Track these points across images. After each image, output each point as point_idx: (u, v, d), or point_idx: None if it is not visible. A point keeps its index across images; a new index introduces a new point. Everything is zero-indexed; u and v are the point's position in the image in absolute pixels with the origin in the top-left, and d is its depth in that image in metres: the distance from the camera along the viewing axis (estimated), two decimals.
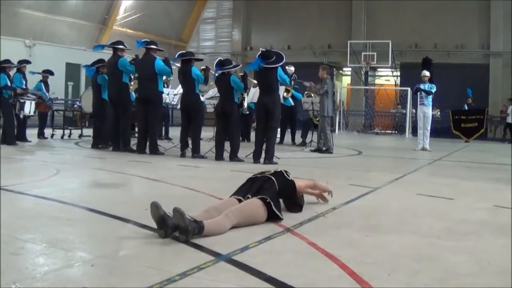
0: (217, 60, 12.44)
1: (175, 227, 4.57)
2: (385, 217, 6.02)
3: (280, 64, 11.70)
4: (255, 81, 12.98)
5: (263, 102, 11.73)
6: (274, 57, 11.67)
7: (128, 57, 13.66)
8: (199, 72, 12.45)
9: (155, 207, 4.64)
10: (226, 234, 4.81)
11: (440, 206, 6.94)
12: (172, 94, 15.93)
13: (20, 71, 15.74)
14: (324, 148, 14.89)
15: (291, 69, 16.52)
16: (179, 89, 15.16)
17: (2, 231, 4.72)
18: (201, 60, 14.35)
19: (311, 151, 15.33)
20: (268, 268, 3.85)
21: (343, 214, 6.15)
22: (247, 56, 36.75)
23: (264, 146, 11.73)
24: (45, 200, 6.39)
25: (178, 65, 13.15)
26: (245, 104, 13.86)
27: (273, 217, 5.37)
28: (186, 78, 12.52)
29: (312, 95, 17.30)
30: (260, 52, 11.99)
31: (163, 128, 18.85)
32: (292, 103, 18.09)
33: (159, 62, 12.75)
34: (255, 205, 5.28)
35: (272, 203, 5.34)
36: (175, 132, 18.29)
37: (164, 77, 13.88)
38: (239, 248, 4.35)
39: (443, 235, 5.20)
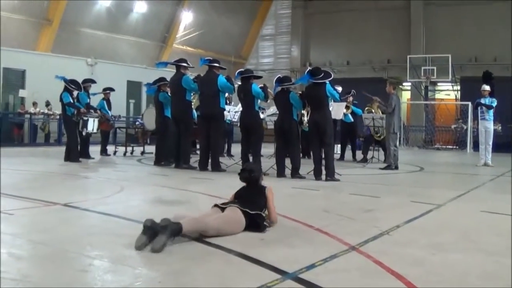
0: (276, 76, 12.54)
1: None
2: (449, 235, 5.95)
3: (328, 80, 11.73)
4: None
5: (314, 119, 11.74)
6: (323, 74, 11.72)
7: (191, 75, 13.77)
8: (259, 89, 12.55)
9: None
10: (291, 251, 4.83)
11: (504, 223, 6.82)
12: (233, 111, 15.99)
13: (85, 89, 16.09)
14: (386, 164, 14.74)
15: (339, 89, 16.30)
16: (240, 107, 15.28)
17: (70, 247, 4.86)
18: (261, 77, 14.41)
19: (381, 169, 14.96)
20: (335, 286, 3.86)
21: (407, 231, 6.10)
22: None
23: (323, 163, 11.72)
24: (111, 217, 6.52)
25: (240, 82, 13.26)
26: (305, 120, 13.85)
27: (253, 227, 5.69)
28: (246, 96, 12.64)
29: (373, 110, 17.19)
30: (309, 69, 12.06)
31: (225, 145, 19.00)
32: (352, 119, 18.03)
33: (222, 79, 12.87)
34: (235, 212, 5.64)
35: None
36: (237, 149, 18.40)
37: (227, 94, 13.97)
38: (305, 266, 4.36)
39: (509, 252, 5.13)
